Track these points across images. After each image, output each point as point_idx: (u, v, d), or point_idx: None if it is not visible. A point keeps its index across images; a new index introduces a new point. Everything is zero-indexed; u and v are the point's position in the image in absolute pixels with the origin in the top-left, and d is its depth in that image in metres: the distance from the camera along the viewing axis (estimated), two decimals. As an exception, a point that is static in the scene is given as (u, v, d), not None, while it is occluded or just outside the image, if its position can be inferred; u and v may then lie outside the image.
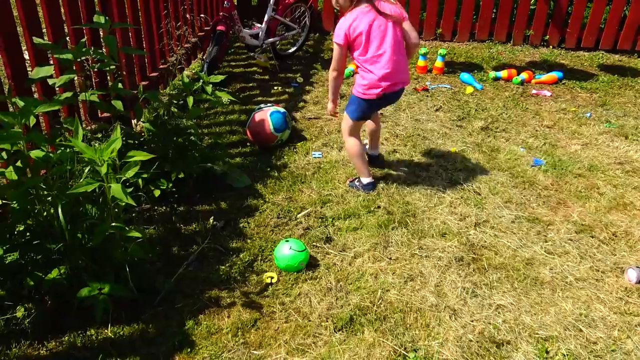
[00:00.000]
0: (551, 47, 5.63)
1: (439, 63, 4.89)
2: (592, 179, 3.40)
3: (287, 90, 4.47)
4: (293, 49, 5.20)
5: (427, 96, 4.47)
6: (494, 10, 5.58)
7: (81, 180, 1.89)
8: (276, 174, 3.27)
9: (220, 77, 3.08)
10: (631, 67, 5.29)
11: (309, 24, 5.20)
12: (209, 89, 2.97)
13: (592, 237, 2.86)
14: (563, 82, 4.88)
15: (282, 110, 3.57)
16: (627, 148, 3.80)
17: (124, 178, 2.00)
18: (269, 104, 3.59)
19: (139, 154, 2.03)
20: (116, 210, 2.08)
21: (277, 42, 4.93)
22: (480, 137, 3.86)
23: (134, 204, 1.87)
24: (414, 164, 3.46)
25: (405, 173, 3.34)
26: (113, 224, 1.97)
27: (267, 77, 4.72)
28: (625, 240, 2.85)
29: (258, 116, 3.48)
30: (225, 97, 3.04)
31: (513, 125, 4.08)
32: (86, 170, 1.97)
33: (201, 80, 3.04)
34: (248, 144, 3.58)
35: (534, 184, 3.31)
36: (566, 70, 5.07)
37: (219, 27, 4.18)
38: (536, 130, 4.01)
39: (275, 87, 4.51)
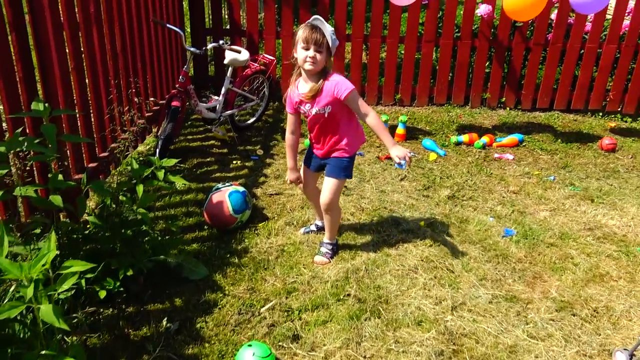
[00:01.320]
0: (508, 108, 5.70)
1: (400, 130, 4.84)
2: (564, 248, 3.30)
3: (246, 164, 4.30)
4: (252, 120, 5.08)
5: (391, 165, 4.37)
6: (451, 74, 5.66)
7: (5, 302, 1.63)
8: (237, 260, 3.04)
9: (173, 161, 2.88)
10: (586, 126, 5.38)
11: (268, 94, 5.12)
12: (161, 174, 2.76)
13: (574, 315, 2.72)
14: (524, 144, 4.89)
15: (242, 189, 3.38)
16: (595, 212, 3.75)
17: (59, 291, 1.74)
18: (227, 184, 3.40)
19: (77, 263, 1.79)
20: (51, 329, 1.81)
21: (236, 113, 4.81)
22: (448, 207, 3.75)
23: (67, 328, 1.61)
24: (382, 241, 3.29)
25: (374, 252, 3.16)
26: (43, 352, 1.70)
27: (225, 150, 4.56)
28: (608, 317, 2.72)
29: (215, 198, 3.27)
30: (179, 182, 2.84)
31: (479, 192, 4.00)
32: (11, 290, 1.70)
33: (153, 165, 2.84)
34: (206, 227, 3.35)
35: (507, 257, 3.18)
36: (525, 132, 5.10)
37: (174, 103, 4.02)
38: (503, 197, 3.93)
39: (234, 162, 4.33)
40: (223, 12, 5.78)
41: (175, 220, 3.38)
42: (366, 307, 2.67)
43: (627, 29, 5.35)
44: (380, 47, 5.55)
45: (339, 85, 2.70)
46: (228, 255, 3.08)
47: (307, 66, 2.64)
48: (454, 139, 4.84)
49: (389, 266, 3.03)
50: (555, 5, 5.41)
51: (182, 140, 4.68)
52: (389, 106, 5.72)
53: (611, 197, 3.97)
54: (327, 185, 2.95)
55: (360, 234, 3.36)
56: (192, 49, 4.07)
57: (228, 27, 5.64)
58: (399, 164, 2.71)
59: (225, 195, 3.27)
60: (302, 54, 2.63)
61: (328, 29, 2.62)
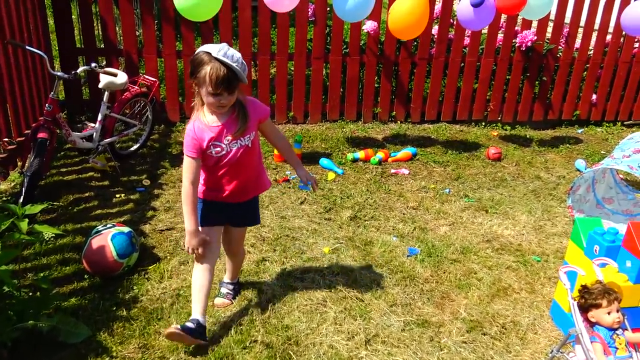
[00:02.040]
0: (399, 122, 5.79)
1: (295, 150, 4.69)
2: (467, 264, 3.32)
3: (131, 197, 3.90)
4: (136, 146, 4.65)
5: (289, 187, 4.20)
6: (342, 90, 5.63)
7: None
8: (125, 313, 2.67)
9: (39, 207, 2.47)
10: (472, 136, 5.61)
11: (152, 118, 4.72)
12: (24, 225, 2.34)
13: (484, 334, 2.70)
14: (417, 157, 4.96)
15: (126, 229, 3.01)
16: (490, 223, 3.85)
17: None
18: (108, 225, 3.01)
19: None
20: None
21: (116, 141, 4.37)
22: (351, 229, 3.64)
23: None
24: (286, 274, 3.09)
25: (279, 287, 2.95)
26: None
27: (106, 182, 4.10)
28: (515, 332, 2.74)
29: (96, 242, 2.87)
30: (48, 232, 2.43)
31: (380, 210, 3.95)
32: None
33: (14, 214, 2.40)
34: (86, 275, 2.93)
35: (415, 278, 3.13)
36: (418, 145, 5.19)
37: (40, 135, 3.52)
38: (403, 214, 3.91)
39: (118, 195, 3.90)
40: (96, 29, 5.28)
41: (48, 272, 2.93)
42: (275, 352, 2.45)
43: (501, 43, 5.67)
44: (270, 64, 5.38)
45: (256, 104, 2.44)
46: (114, 308, 2.70)
47: (220, 110, 2.29)
48: (350, 156, 4.79)
49: (296, 302, 2.83)
50: (436, 20, 5.59)
51: (54, 174, 4.15)
52: (282, 124, 5.56)
53: (503, 206, 4.11)
54: (241, 233, 2.74)
55: (262, 268, 3.13)
56: (58, 73, 3.61)
57: (102, 46, 5.16)
58: (305, 184, 2.59)
59: (108, 238, 2.88)
60: (212, 100, 2.21)
61: (237, 58, 2.19)
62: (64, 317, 2.49)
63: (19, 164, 3.98)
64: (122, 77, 4.04)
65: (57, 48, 5.09)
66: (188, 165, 2.33)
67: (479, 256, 3.41)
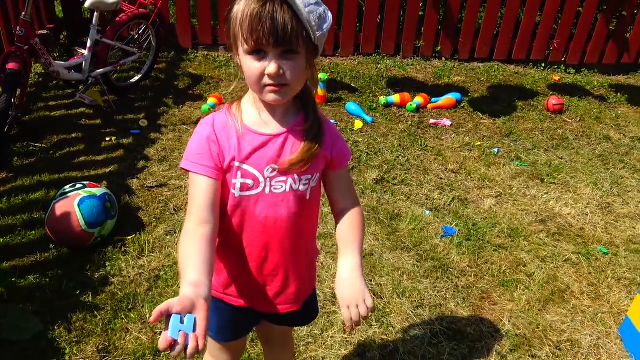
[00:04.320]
0: (444, 59, 4.98)
1: (320, 91, 4.01)
2: (515, 252, 2.70)
3: (123, 141, 3.35)
4: (137, 78, 4.04)
5: (308, 137, 3.56)
6: (379, 17, 4.81)
7: None
8: (89, 299, 2.20)
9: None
10: (529, 80, 4.77)
11: (156, 44, 4.07)
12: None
13: (532, 356, 2.13)
14: (462, 104, 4.21)
15: (100, 192, 2.48)
16: (546, 197, 3.17)
17: None
18: (77, 186, 2.47)
19: None
20: None
21: (112, 71, 3.77)
22: (376, 196, 3.04)
23: None
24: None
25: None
26: None
27: (98, 121, 3.56)
28: (573, 355, 2.16)
29: (60, 208, 2.36)
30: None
31: (413, 172, 3.31)
32: None
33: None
34: (52, 245, 2.46)
35: (448, 269, 2.54)
36: (463, 90, 4.42)
37: (10, 65, 2.95)
38: (440, 179, 3.27)
39: (108, 139, 3.36)
40: None
41: (9, 237, 2.46)
42: None
43: (576, -33, 4.68)
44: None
45: (335, 132, 1.32)
46: (78, 292, 2.23)
47: (270, 96, 1.16)
48: (383, 99, 4.08)
49: (300, 295, 2.30)
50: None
51: (42, 108, 3.62)
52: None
53: (562, 174, 3.40)
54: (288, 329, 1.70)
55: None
56: (26, -12, 2.97)
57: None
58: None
59: (74, 203, 2.36)
60: (254, 67, 1.13)
61: None
62: (10, 307, 2.03)
63: None
64: (112, -6, 3.37)
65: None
66: (195, 189, 1.21)
67: (530, 242, 2.78)
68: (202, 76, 4.26)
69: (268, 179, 1.23)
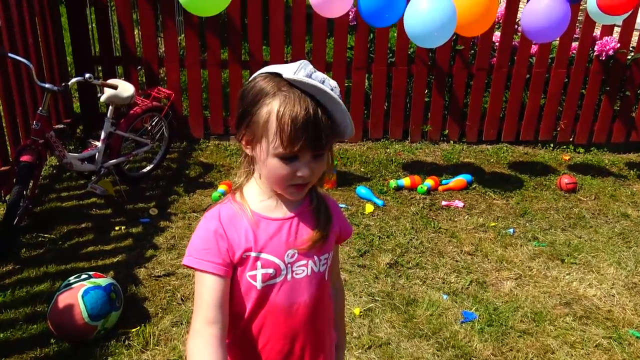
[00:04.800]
0: (452, 142, 5.03)
1: (330, 175, 4.02)
2: (541, 337, 2.54)
3: (132, 230, 3.32)
4: (149, 168, 4.10)
5: (319, 222, 3.52)
6: (387, 104, 4.92)
7: None
8: (89, 398, 2.07)
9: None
10: (539, 160, 4.77)
11: (168, 135, 4.17)
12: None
13: None
14: (473, 186, 4.18)
15: (105, 282, 2.41)
16: (568, 278, 3.04)
17: None
18: (82, 277, 2.41)
19: None
20: None
21: (124, 162, 3.82)
22: (390, 280, 2.93)
23: None
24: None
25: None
26: None
27: (108, 211, 3.55)
28: None
29: (63, 300, 2.29)
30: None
31: (427, 255, 3.21)
32: None
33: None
34: (53, 340, 2.35)
35: (471, 358, 2.39)
36: (473, 171, 4.41)
37: (24, 158, 3.00)
38: (456, 262, 3.16)
39: (117, 228, 3.34)
40: (113, 35, 4.80)
41: (10, 332, 2.37)
42: None
43: (575, 51, 4.83)
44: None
45: (337, 208, 1.32)
46: (76, 391, 2.10)
47: (293, 194, 1.16)
48: (393, 183, 4.07)
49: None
50: (498, 25, 4.81)
51: (53, 199, 3.64)
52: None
53: (583, 254, 3.29)
54: None
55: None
56: (46, 85, 3.09)
57: (119, 54, 4.68)
58: None
59: (78, 295, 2.29)
60: (284, 170, 1.10)
61: (334, 86, 1.10)
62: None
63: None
64: (126, 90, 3.49)
65: (72, 56, 4.65)
66: (202, 287, 1.13)
67: (556, 327, 2.62)
68: (213, 164, 4.32)
69: (289, 265, 1.17)
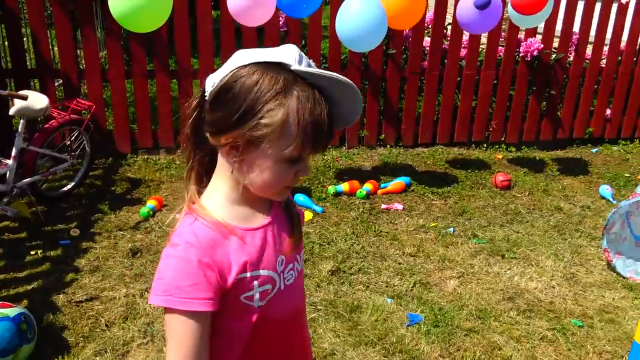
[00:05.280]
0: (388, 146, 5.01)
1: (266, 184, 3.86)
2: (487, 334, 2.49)
3: (50, 253, 3.04)
4: (70, 186, 3.80)
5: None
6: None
7: None
8: None
9: None
10: (473, 160, 4.83)
11: (90, 150, 3.89)
12: None
13: None
14: (411, 188, 4.15)
15: (14, 312, 2.15)
16: (510, 272, 3.03)
17: None
18: (-13, 307, 2.14)
19: None
20: None
21: (40, 180, 3.52)
22: (332, 288, 2.81)
23: None
24: None
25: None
26: None
27: (23, 235, 3.24)
28: None
29: (-37, 334, 2.01)
30: None
31: (370, 260, 3.12)
32: None
33: None
34: (-47, 381, 2.06)
35: (419, 362, 2.29)
36: (411, 174, 4.39)
37: None
38: (399, 264, 3.09)
39: (33, 252, 3.04)
40: (26, 45, 4.47)
41: None
42: None
43: (502, 53, 4.95)
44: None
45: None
46: None
47: (284, 195, 1.07)
48: (332, 189, 3.97)
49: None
50: (427, 30, 4.86)
51: (-41, 225, 3.29)
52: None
53: (522, 248, 3.30)
54: None
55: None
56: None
57: (34, 66, 4.36)
58: None
59: (-19, 328, 2.02)
60: (289, 172, 1.00)
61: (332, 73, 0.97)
62: None
63: None
64: (39, 101, 3.22)
65: (-20, 70, 4.28)
66: (185, 329, 0.95)
67: (501, 322, 2.58)
68: (142, 179, 4.07)
69: (281, 274, 1.06)
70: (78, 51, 4.58)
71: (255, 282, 1.00)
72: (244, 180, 1.00)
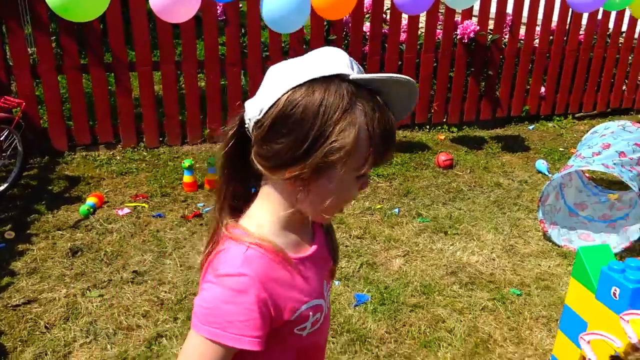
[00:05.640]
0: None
1: (210, 175, 3.82)
2: (432, 309, 2.56)
3: (-17, 258, 2.90)
4: (3, 187, 3.63)
5: (201, 224, 3.32)
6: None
7: None
8: None
9: None
10: (417, 142, 4.92)
11: (23, 149, 3.72)
12: None
13: (468, 420, 1.93)
14: (358, 172, 4.19)
15: (-57, 319, 2.04)
16: (452, 248, 3.12)
17: None
18: None
19: None
20: None
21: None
22: (280, 274, 2.81)
23: None
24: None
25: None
26: None
27: (-48, 241, 3.09)
28: (509, 410, 1.98)
29: None
30: None
31: (317, 244, 3.14)
32: None
33: None
34: None
35: (366, 339, 2.34)
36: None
37: None
38: (346, 247, 3.12)
39: (-37, 258, 2.90)
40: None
41: None
42: None
43: (440, 36, 5.05)
44: (177, 75, 4.49)
45: None
46: None
47: (332, 216, 0.99)
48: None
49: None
50: (367, 16, 4.90)
51: None
52: (197, 144, 4.67)
53: (464, 224, 3.40)
54: None
55: (157, 350, 2.24)
56: None
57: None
58: None
59: None
60: (354, 188, 0.93)
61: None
62: None
63: None
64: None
65: None
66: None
67: (445, 296, 2.66)
68: (81, 177, 3.93)
69: (327, 298, 1.02)
70: (5, 47, 4.36)
71: (310, 313, 0.95)
72: (301, 206, 0.91)
